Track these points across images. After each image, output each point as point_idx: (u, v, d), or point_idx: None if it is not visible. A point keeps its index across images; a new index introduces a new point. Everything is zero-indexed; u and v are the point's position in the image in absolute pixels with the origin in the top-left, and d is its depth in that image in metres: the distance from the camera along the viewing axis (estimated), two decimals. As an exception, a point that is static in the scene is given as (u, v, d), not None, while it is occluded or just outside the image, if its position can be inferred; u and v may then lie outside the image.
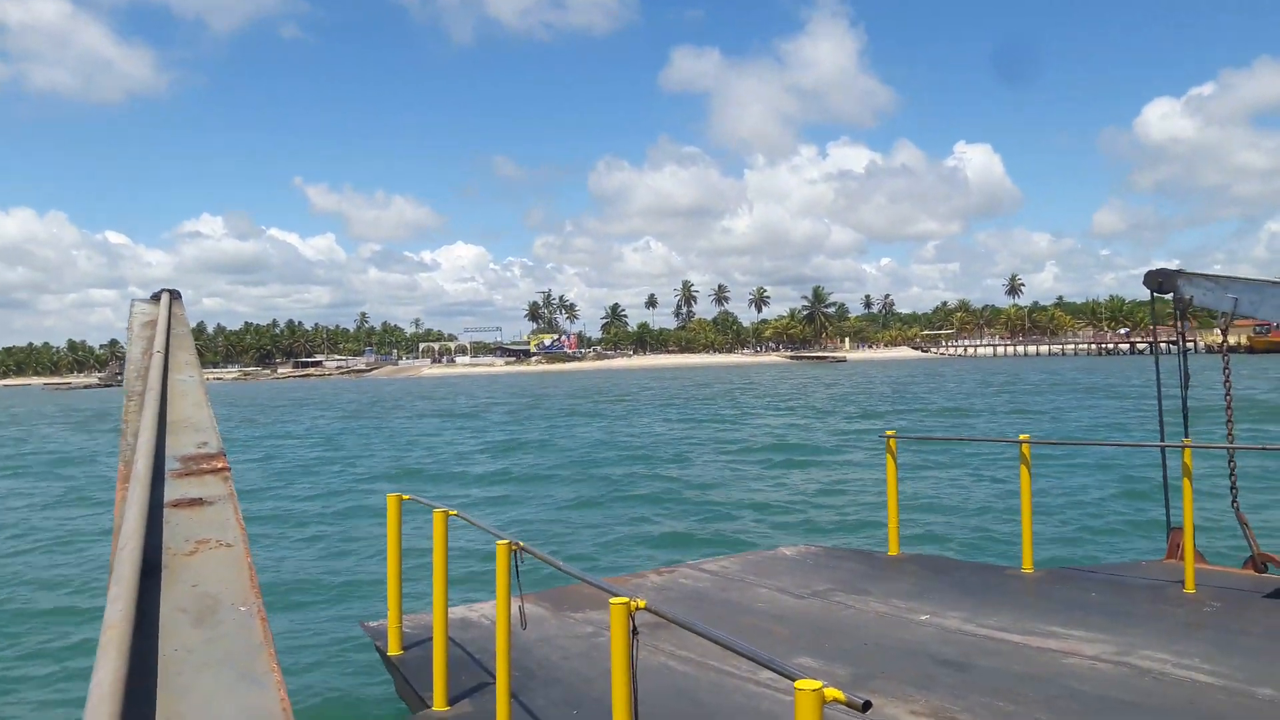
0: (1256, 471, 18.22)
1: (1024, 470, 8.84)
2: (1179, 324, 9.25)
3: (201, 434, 3.01)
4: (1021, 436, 8.99)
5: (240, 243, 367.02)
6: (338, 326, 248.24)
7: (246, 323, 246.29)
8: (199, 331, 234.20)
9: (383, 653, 6.70)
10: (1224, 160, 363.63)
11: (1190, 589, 7.62)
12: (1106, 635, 6.51)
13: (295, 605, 11.47)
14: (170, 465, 2.72)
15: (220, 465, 2.75)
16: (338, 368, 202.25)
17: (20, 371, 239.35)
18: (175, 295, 4.87)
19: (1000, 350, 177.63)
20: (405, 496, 6.51)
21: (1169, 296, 9.22)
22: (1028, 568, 8.70)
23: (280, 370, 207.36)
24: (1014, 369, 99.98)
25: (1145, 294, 9.52)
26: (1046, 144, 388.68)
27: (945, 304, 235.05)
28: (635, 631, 3.43)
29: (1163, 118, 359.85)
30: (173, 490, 2.54)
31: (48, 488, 25.66)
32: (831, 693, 2.39)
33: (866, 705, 2.36)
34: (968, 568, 9.42)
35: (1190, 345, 9.27)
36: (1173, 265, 9.42)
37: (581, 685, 5.79)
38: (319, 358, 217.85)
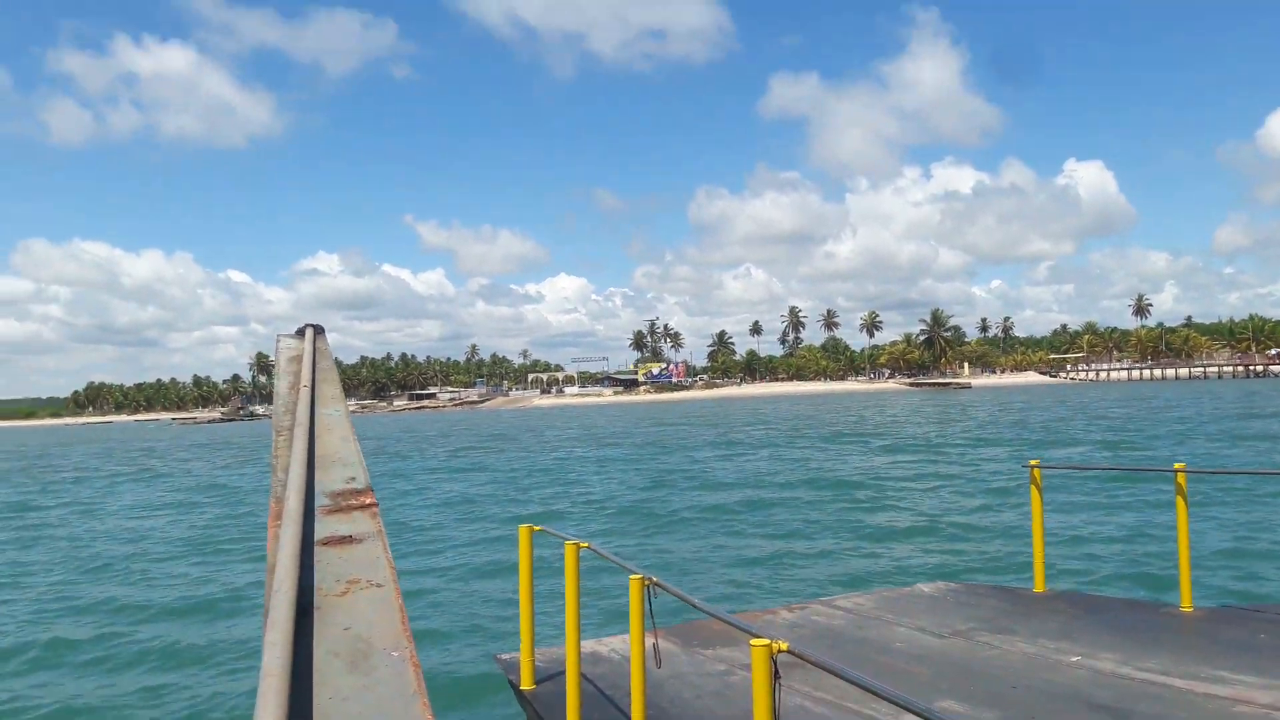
0: None
1: (1180, 501, 8.40)
2: None
3: (349, 469, 3.04)
4: (1177, 465, 8.57)
5: (355, 279, 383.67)
6: (449, 359, 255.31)
7: (362, 356, 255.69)
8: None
9: (515, 686, 6.79)
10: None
11: None
12: None
13: (433, 635, 11.83)
14: (320, 501, 2.73)
15: (369, 501, 2.76)
16: (451, 399, 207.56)
17: (149, 407, 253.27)
18: (319, 330, 4.98)
19: (1135, 374, 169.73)
20: (537, 528, 6.61)
21: None
22: (1187, 606, 8.25)
23: (396, 403, 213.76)
24: (1169, 394, 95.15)
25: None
26: (1162, 160, 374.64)
27: (1065, 326, 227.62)
28: (777, 674, 3.35)
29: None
30: (323, 528, 2.55)
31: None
32: None
33: None
34: (1120, 605, 8.99)
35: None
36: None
37: (716, 725, 5.73)
38: (433, 390, 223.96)
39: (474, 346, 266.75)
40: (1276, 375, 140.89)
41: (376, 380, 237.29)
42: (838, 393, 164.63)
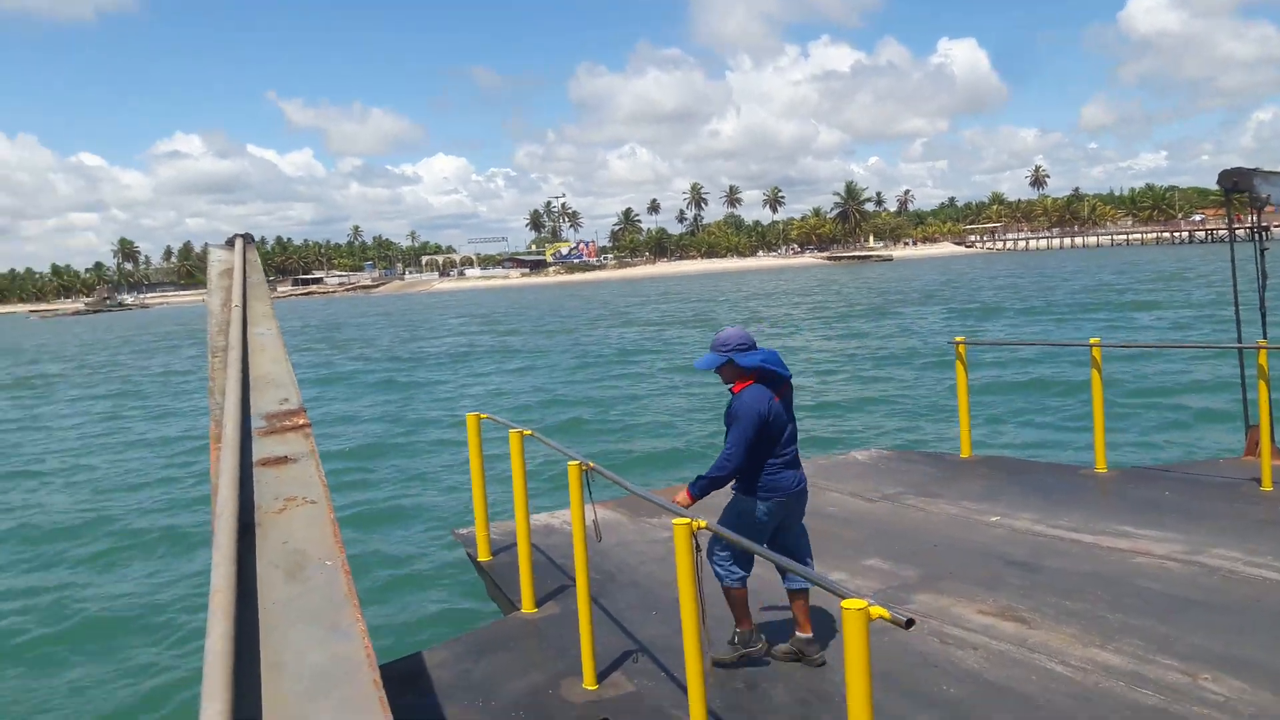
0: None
1: (1095, 373, 9.35)
2: (1256, 224, 9.57)
3: (282, 390, 3.42)
4: (1092, 340, 9.51)
5: (218, 160, 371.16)
6: (329, 242, 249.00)
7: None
8: (187, 252, 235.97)
9: (473, 558, 7.48)
10: (1209, 52, 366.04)
11: (1268, 486, 8.06)
12: (1178, 534, 6.97)
13: (398, 516, 12.69)
14: (256, 423, 3.10)
15: (301, 422, 3.12)
16: (341, 284, 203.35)
17: (4, 299, 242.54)
18: (249, 240, 5.25)
19: (1054, 244, 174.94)
20: (484, 416, 7.21)
21: (1245, 196, 9.48)
22: (1101, 468, 9.25)
23: (280, 289, 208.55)
24: (1134, 259, 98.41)
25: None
26: (1031, 42, 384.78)
27: (953, 200, 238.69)
28: (699, 548, 3.98)
29: (1148, 11, 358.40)
30: (260, 449, 2.92)
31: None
32: (877, 611, 2.70)
33: (910, 623, 2.65)
34: (1040, 468, 10.00)
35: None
36: (1238, 163, 9.64)
37: (658, 588, 6.43)
38: (318, 274, 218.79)
39: (357, 228, 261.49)
40: (1201, 241, 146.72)
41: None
42: (756, 269, 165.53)
